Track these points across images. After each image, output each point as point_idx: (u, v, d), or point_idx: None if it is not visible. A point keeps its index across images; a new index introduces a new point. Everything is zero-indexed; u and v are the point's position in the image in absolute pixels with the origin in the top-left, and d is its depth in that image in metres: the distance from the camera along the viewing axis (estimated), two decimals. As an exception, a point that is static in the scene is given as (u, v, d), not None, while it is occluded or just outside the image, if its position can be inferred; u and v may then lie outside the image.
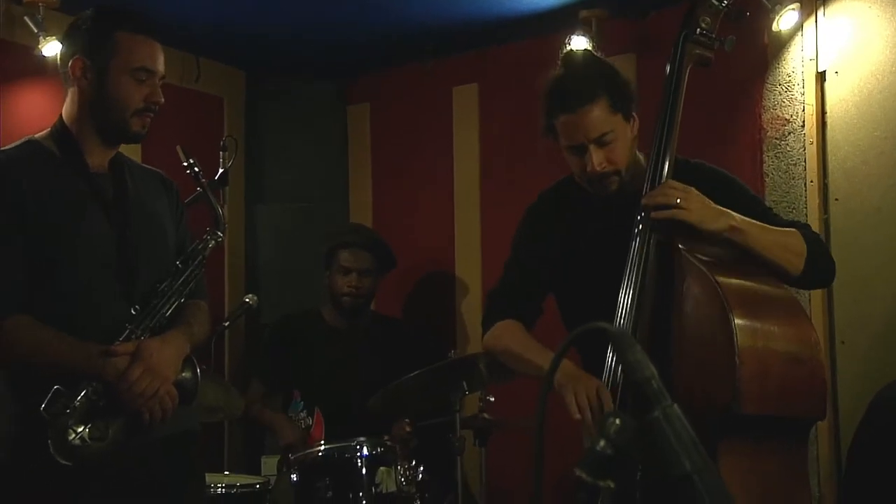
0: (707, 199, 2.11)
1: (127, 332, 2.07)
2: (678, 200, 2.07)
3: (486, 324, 2.45)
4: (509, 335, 2.40)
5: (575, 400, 2.10)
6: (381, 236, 4.03)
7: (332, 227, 4.19)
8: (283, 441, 3.61)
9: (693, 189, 2.10)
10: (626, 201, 2.27)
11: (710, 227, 2.08)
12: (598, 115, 2.20)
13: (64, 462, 1.95)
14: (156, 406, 2.05)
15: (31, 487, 2.02)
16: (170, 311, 2.15)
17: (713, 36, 2.24)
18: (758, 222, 2.16)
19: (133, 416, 2.04)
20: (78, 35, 2.16)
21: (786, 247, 2.18)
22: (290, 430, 3.65)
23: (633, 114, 2.27)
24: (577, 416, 2.11)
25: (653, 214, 2.11)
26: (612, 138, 2.21)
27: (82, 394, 1.97)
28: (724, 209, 2.11)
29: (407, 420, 3.40)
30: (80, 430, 1.96)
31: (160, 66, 2.19)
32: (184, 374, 2.13)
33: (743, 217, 2.12)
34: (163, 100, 2.18)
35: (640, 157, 2.36)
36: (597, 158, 2.20)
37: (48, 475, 1.98)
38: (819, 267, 2.22)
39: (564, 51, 2.37)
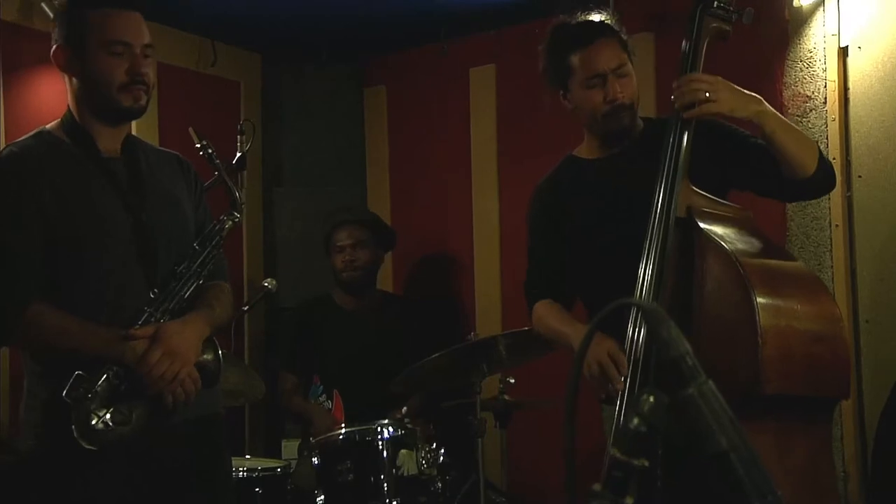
0: (734, 86, 2.18)
1: (146, 315, 2.07)
2: (707, 94, 2.13)
3: (529, 311, 2.55)
4: (546, 315, 2.48)
5: (587, 369, 2.16)
6: (375, 212, 4.10)
7: (327, 212, 4.17)
8: (318, 430, 3.62)
9: (719, 78, 2.17)
10: (626, 171, 2.30)
11: (741, 114, 2.17)
12: (614, 49, 2.35)
13: (88, 446, 1.95)
14: (178, 389, 2.05)
15: (58, 473, 2.03)
16: (188, 294, 2.14)
17: (731, 8, 2.23)
18: (784, 118, 2.27)
19: (156, 399, 2.04)
20: (58, 25, 2.16)
21: (804, 145, 2.27)
22: (326, 418, 3.67)
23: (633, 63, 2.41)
24: (602, 396, 2.15)
25: (685, 115, 2.17)
26: (627, 72, 2.35)
27: (103, 378, 1.98)
28: (755, 95, 2.19)
29: (403, 408, 3.40)
30: (103, 414, 1.97)
31: (139, 36, 2.12)
32: (205, 357, 2.12)
33: (772, 108, 2.22)
34: (146, 70, 2.13)
35: (641, 122, 2.43)
36: (618, 87, 2.33)
37: (74, 460, 1.99)
38: (828, 170, 2.29)
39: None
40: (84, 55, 2.10)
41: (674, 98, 2.19)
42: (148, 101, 2.18)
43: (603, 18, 2.42)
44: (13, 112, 3.46)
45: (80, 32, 2.10)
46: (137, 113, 2.18)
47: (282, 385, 3.88)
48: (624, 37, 2.40)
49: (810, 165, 2.22)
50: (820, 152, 2.26)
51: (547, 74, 2.45)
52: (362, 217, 3.99)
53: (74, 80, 2.14)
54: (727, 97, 2.15)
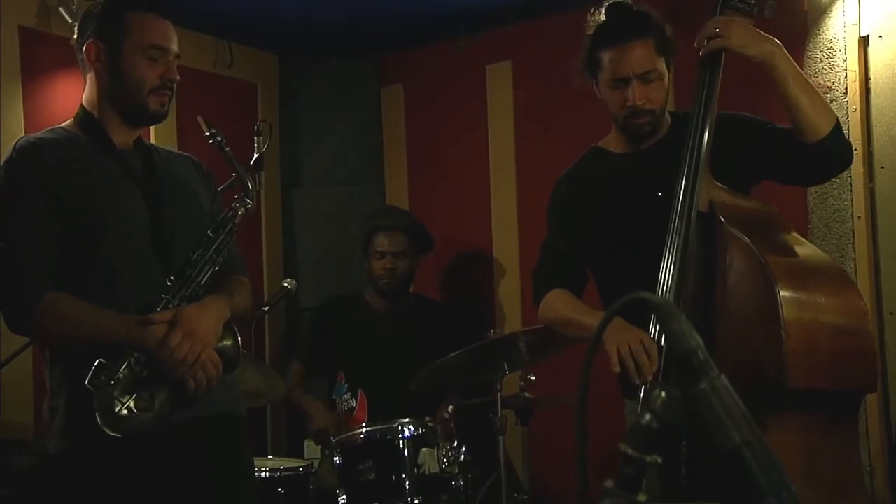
0: (752, 28, 2.17)
1: (164, 302, 2.08)
2: (716, 30, 2.15)
3: (536, 299, 2.51)
4: (560, 303, 2.45)
5: (617, 351, 2.11)
6: (416, 217, 4.03)
7: (368, 211, 4.20)
8: (315, 425, 3.63)
9: (737, 19, 2.18)
10: (652, 166, 2.28)
11: (749, 51, 2.15)
12: (646, 53, 2.29)
13: (112, 434, 1.96)
14: (199, 372, 2.05)
15: (83, 469, 2.04)
16: (205, 280, 2.15)
17: (752, 1, 2.21)
18: (802, 73, 2.23)
19: (178, 384, 2.05)
20: (90, 20, 2.19)
21: (819, 103, 2.21)
22: (323, 415, 3.68)
23: (671, 65, 2.34)
24: (617, 368, 2.12)
25: (700, 53, 2.21)
26: (654, 77, 2.29)
27: (125, 365, 1.99)
28: (773, 39, 2.17)
29: (450, 406, 3.39)
30: (126, 400, 1.98)
31: (173, 44, 2.19)
32: (225, 342, 2.13)
33: (792, 60, 2.19)
34: (178, 77, 2.19)
35: (668, 117, 2.38)
36: (638, 93, 2.28)
37: (97, 456, 2.01)
38: (841, 141, 2.24)
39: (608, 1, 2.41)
40: (119, 54, 2.14)
41: (696, 43, 2.20)
42: (169, 107, 2.22)
43: (650, 12, 2.36)
44: (33, 116, 3.49)
45: (117, 31, 2.14)
46: (161, 117, 2.23)
47: (289, 373, 3.88)
48: (666, 36, 2.34)
49: (823, 127, 2.16)
50: (837, 124, 2.21)
51: (582, 60, 2.40)
52: (405, 224, 3.92)
53: (102, 76, 2.16)
54: (738, 33, 2.15)
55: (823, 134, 2.16)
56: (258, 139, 3.29)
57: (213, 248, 2.17)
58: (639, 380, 2.12)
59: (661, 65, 2.31)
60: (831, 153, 2.21)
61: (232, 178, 2.38)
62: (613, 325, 2.13)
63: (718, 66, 2.21)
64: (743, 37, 2.15)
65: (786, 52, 2.17)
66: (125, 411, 1.98)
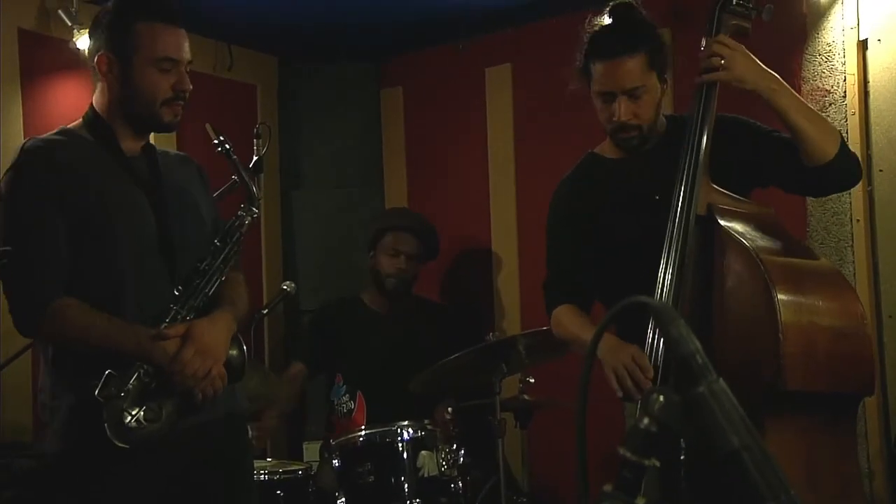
0: (753, 59, 2.17)
1: (172, 312, 2.09)
2: (722, 62, 2.15)
3: (549, 313, 2.52)
4: (566, 321, 2.46)
5: (615, 376, 2.14)
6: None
7: (381, 210, 4.22)
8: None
9: (741, 48, 2.17)
10: (648, 170, 2.29)
11: (749, 86, 2.16)
12: (634, 69, 2.25)
13: (121, 445, 1.97)
14: (208, 387, 2.07)
15: (85, 473, 2.05)
16: (212, 291, 2.15)
17: (750, 6, 2.21)
18: (802, 100, 2.23)
19: (185, 396, 2.06)
20: (100, 30, 2.17)
21: (823, 127, 2.22)
22: (281, 389, 3.63)
23: (666, 77, 2.32)
24: (620, 393, 2.15)
25: (696, 79, 2.20)
26: (642, 93, 2.27)
27: (134, 376, 2.00)
28: (773, 73, 2.18)
29: (449, 408, 3.39)
30: (135, 412, 1.99)
31: (184, 53, 2.17)
32: (231, 353, 2.14)
33: (790, 89, 2.19)
34: (190, 86, 2.18)
35: (664, 121, 2.38)
36: (624, 109, 2.26)
37: (101, 460, 2.01)
38: (850, 159, 2.24)
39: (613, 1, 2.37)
40: (130, 67, 2.12)
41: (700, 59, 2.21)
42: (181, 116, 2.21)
43: (649, 23, 2.33)
44: (32, 119, 3.49)
45: (127, 44, 2.12)
46: (174, 128, 2.23)
47: (290, 372, 3.86)
48: (662, 48, 2.32)
49: (829, 150, 2.17)
50: (843, 141, 2.21)
51: (577, 67, 2.39)
52: (421, 228, 3.90)
53: (114, 88, 2.15)
54: (739, 67, 2.15)
55: (830, 156, 2.17)
56: (257, 141, 3.28)
57: (221, 257, 2.18)
58: (640, 395, 2.14)
59: (652, 79, 2.28)
60: (839, 171, 2.23)
61: (231, 182, 2.38)
62: (606, 347, 2.16)
63: (716, 84, 2.22)
64: (743, 72, 2.15)
65: (785, 84, 2.18)
66: (134, 423, 1.99)
